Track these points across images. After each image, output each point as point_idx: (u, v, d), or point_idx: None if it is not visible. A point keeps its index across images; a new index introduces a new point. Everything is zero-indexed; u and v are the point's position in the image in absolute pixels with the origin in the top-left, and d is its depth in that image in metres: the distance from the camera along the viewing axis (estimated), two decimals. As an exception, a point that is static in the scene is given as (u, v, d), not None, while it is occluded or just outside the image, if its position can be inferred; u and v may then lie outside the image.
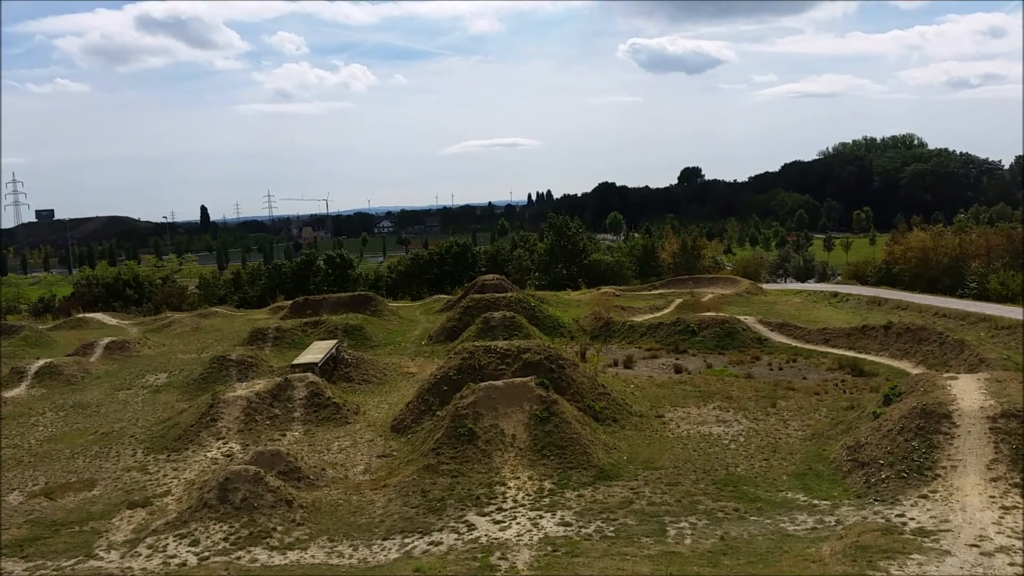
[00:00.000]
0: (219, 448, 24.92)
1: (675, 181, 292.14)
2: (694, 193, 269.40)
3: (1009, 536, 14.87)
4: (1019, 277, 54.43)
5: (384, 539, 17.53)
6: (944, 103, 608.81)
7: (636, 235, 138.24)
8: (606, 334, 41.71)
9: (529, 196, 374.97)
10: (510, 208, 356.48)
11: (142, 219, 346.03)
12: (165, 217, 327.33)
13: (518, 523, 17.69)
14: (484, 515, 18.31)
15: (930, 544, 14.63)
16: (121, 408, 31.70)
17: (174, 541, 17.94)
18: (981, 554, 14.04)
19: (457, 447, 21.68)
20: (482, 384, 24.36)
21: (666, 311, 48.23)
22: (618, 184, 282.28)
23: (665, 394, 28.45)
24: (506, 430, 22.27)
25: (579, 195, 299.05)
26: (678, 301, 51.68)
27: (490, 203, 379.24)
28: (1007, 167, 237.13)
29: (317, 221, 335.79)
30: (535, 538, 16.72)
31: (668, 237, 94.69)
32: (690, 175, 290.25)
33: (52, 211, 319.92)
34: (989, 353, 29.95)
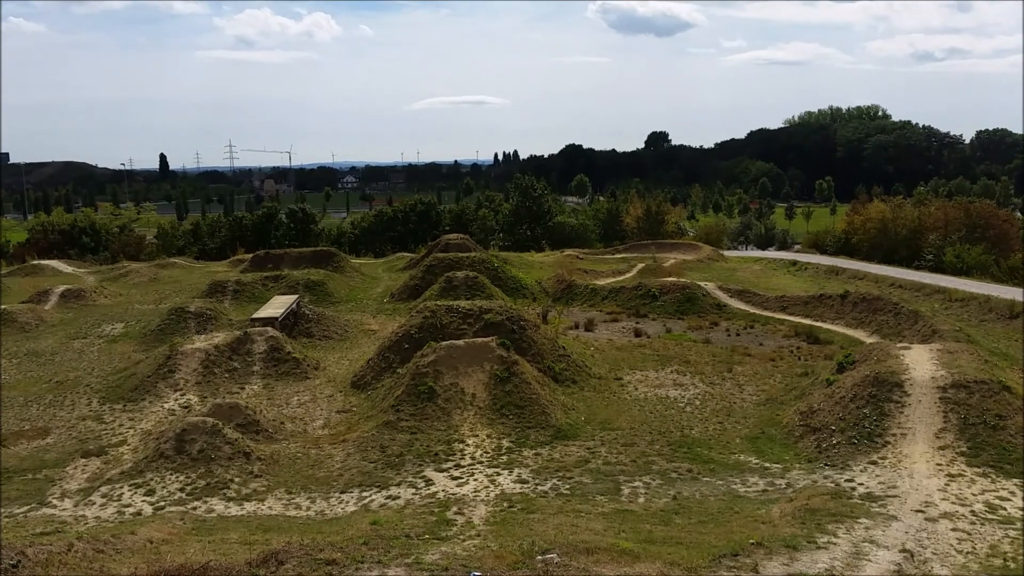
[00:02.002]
0: (176, 400, 24.77)
1: (642, 145, 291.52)
2: (660, 158, 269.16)
3: (953, 503, 15.33)
4: (974, 251, 55.46)
5: (342, 492, 17.61)
6: (909, 75, 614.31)
7: (601, 198, 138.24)
8: (568, 296, 41.91)
9: (495, 156, 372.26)
10: (476, 167, 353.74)
11: (99, 165, 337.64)
12: (123, 164, 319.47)
13: (475, 479, 17.87)
14: (442, 471, 18.47)
15: (877, 509, 15.02)
16: (76, 357, 31.31)
17: (129, 490, 17.87)
18: (926, 519, 14.45)
19: (417, 404, 21.77)
20: (443, 343, 24.42)
21: (628, 275, 48.53)
22: (585, 146, 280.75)
23: (624, 357, 28.72)
24: (466, 389, 22.39)
25: (546, 156, 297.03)
26: (640, 266, 52.03)
27: (456, 162, 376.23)
28: (967, 142, 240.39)
29: (279, 174, 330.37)
30: (492, 494, 16.90)
31: (633, 201, 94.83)
32: (657, 140, 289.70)
33: (7, 155, 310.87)
34: (942, 324, 30.57)
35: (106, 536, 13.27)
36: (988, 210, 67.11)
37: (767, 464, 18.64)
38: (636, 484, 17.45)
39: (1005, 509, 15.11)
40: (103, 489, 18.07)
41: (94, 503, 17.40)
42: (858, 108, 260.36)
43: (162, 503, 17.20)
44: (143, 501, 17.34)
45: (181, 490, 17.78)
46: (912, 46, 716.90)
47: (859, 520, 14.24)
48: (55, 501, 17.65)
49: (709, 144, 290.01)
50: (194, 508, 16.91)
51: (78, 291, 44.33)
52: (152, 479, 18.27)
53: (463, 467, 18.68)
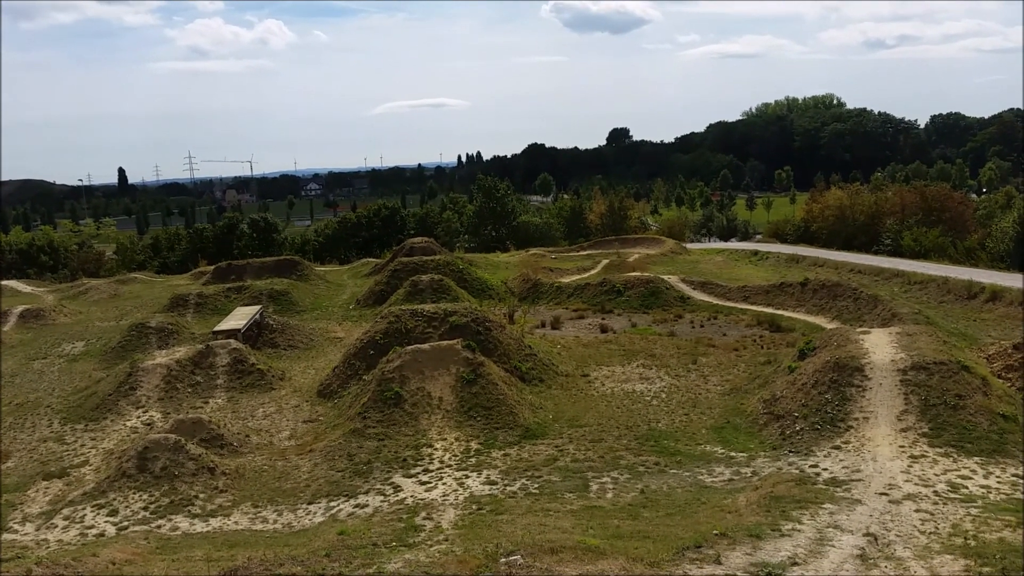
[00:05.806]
0: (139, 417, 24.43)
1: (604, 142, 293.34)
2: (622, 154, 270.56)
3: (916, 484, 15.48)
4: (931, 234, 56.33)
5: (309, 503, 17.46)
6: (862, 63, 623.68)
7: (565, 196, 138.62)
8: (534, 295, 41.97)
9: (459, 157, 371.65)
10: (440, 170, 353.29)
11: (57, 182, 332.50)
12: (81, 180, 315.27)
13: (444, 483, 17.80)
14: (410, 477, 18.38)
15: (842, 493, 15.12)
16: (36, 378, 30.77)
17: (92, 511, 17.58)
18: (890, 502, 14.56)
19: (384, 411, 21.66)
20: (408, 348, 24.31)
21: (593, 272, 48.71)
22: (548, 145, 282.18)
23: (591, 353, 28.79)
24: (433, 393, 22.31)
25: (509, 156, 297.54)
26: (605, 262, 52.25)
27: (419, 165, 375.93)
28: (922, 127, 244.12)
29: (241, 184, 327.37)
30: (461, 497, 16.84)
31: (596, 198, 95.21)
32: (618, 136, 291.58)
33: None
34: (901, 308, 31.00)
35: (67, 559, 13.02)
36: (944, 193, 68.26)
37: (733, 453, 18.76)
38: (604, 480, 17.48)
39: (967, 487, 15.31)
40: (65, 511, 17.76)
41: (56, 526, 17.09)
42: (814, 97, 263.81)
43: (125, 523, 16.94)
44: (106, 522, 17.07)
45: (145, 509, 17.53)
46: (864, 34, 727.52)
47: (823, 506, 14.33)
48: (16, 526, 17.31)
49: (669, 139, 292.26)
50: (158, 527, 16.68)
51: (37, 311, 43.61)
52: (115, 499, 17.99)
53: (432, 471, 18.61)
